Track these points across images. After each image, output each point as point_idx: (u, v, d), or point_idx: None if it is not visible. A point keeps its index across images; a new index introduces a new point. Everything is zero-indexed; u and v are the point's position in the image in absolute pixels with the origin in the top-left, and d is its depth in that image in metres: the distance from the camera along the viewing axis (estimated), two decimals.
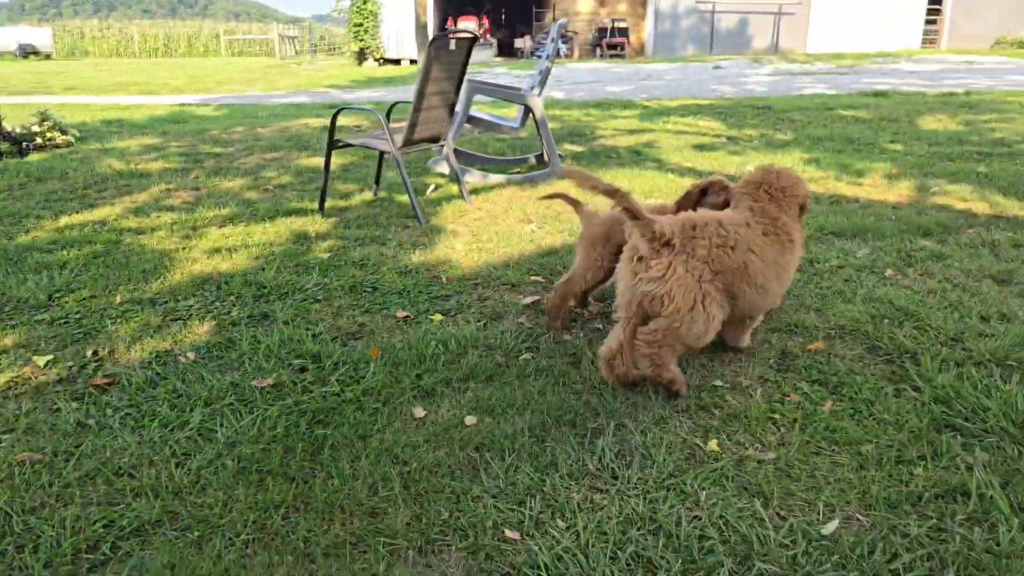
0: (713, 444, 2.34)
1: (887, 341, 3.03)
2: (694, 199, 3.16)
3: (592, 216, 3.34)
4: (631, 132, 8.55)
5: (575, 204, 3.49)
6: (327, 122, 9.87)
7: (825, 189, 5.78)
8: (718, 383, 2.74)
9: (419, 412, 2.56)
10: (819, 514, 2.00)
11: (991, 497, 2.02)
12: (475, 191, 5.81)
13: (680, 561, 1.83)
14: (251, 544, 1.93)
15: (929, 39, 26.85)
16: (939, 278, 3.75)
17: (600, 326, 3.28)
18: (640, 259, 2.58)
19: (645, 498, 2.08)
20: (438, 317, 3.40)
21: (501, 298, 3.64)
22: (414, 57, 23.43)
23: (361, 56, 24.71)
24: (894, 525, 1.94)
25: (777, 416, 2.50)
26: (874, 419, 2.46)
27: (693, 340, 2.57)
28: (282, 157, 7.55)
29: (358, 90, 15.83)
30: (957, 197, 5.40)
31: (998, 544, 1.84)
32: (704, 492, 2.09)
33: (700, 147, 7.59)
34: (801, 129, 8.55)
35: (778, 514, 2.01)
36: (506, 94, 6.44)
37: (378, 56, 24.55)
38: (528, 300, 3.57)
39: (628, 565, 1.82)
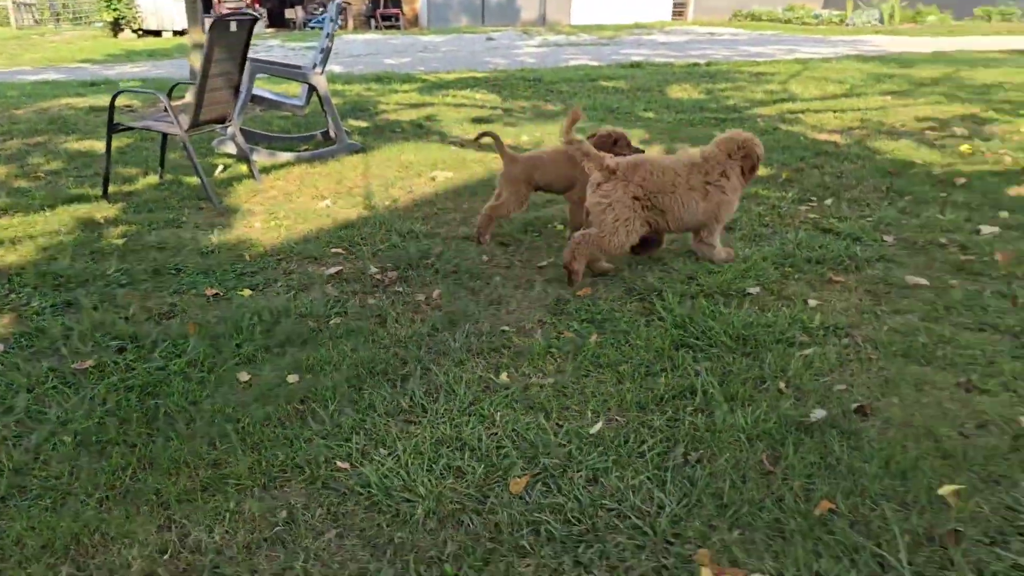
0: (504, 376, 2.81)
1: (640, 283, 3.66)
2: (608, 146, 4.13)
3: (514, 158, 4.23)
4: (413, 106, 8.90)
5: (499, 143, 4.25)
6: (92, 102, 9.34)
7: None
8: (505, 328, 3.22)
9: (244, 376, 2.82)
10: (587, 419, 2.53)
11: (711, 393, 2.64)
12: (265, 170, 5.92)
13: (483, 466, 2.28)
14: (105, 502, 2.14)
15: (678, 11, 29.25)
16: None
17: (400, 289, 3.66)
18: (598, 185, 3.61)
19: (451, 424, 2.50)
20: (247, 292, 3.62)
21: (305, 271, 3.90)
22: (177, 28, 22.14)
23: (116, 27, 22.93)
24: (643, 420, 2.51)
25: (554, 350, 3.02)
26: (629, 345, 3.05)
27: (616, 248, 3.59)
28: (47, 141, 7.15)
29: (118, 65, 14.84)
30: None
31: (715, 424, 2.46)
32: (498, 414, 2.56)
33: (479, 119, 8.09)
34: (568, 100, 9.30)
35: (557, 423, 2.51)
36: (289, 73, 6.55)
37: (136, 27, 22.92)
38: (332, 271, 3.87)
39: (442, 474, 2.25)
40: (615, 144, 4.19)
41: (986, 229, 4.38)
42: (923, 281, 3.63)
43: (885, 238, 4.26)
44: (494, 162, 6.20)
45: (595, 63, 13.22)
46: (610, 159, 3.62)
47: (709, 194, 3.70)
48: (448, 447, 2.38)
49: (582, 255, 3.60)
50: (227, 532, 2.04)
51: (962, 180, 5.42)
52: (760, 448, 2.34)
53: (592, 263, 3.75)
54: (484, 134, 4.36)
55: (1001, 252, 3.94)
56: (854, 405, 2.54)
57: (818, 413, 2.48)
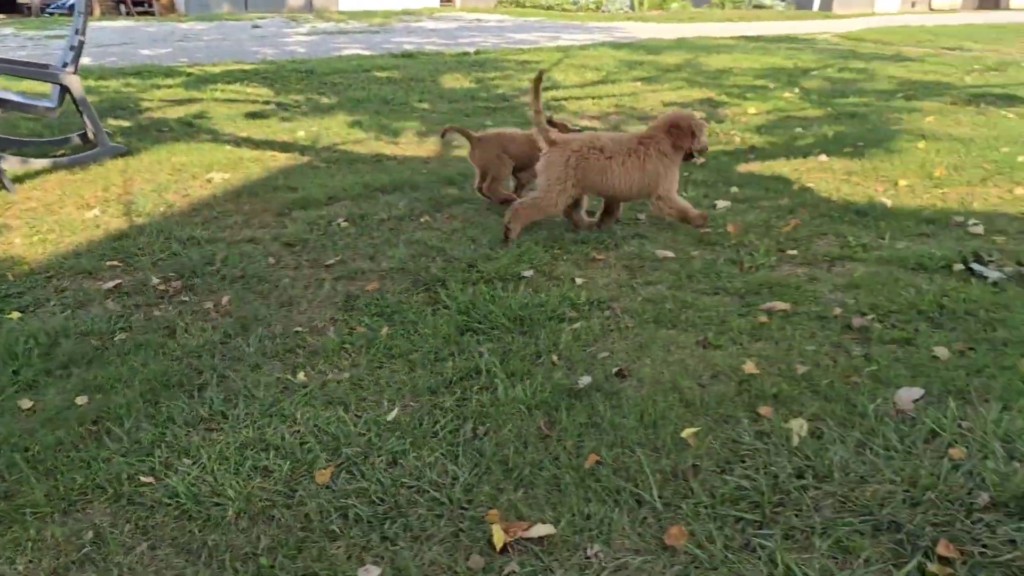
0: (301, 375, 2.95)
1: (425, 274, 3.89)
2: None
3: (480, 136, 4.91)
4: (179, 102, 8.53)
5: (463, 131, 4.94)
6: None
7: (369, 150, 6.62)
8: (299, 329, 3.33)
9: (26, 403, 2.73)
10: (384, 408, 2.73)
11: (494, 371, 2.93)
12: (18, 179, 5.51)
13: (288, 462, 2.42)
14: None
15: None
16: (460, 219, 4.77)
17: (187, 298, 3.64)
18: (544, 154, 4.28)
19: (254, 427, 2.61)
20: (16, 315, 3.44)
21: (80, 287, 3.76)
22: None
23: None
24: (435, 403, 2.76)
25: (348, 346, 3.19)
26: (418, 334, 3.28)
27: (550, 208, 4.27)
28: None
29: None
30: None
31: (498, 399, 2.75)
32: (299, 412, 2.69)
33: (253, 115, 7.94)
34: (343, 92, 9.33)
35: (356, 414, 2.70)
36: (36, 73, 6.10)
37: None
38: (110, 285, 3.76)
39: (249, 475, 2.36)
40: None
41: (720, 203, 5.05)
42: (670, 254, 4.16)
43: (639, 217, 4.79)
44: (271, 161, 6.18)
45: (367, 52, 13.24)
46: (556, 134, 4.27)
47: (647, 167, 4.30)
48: (253, 449, 2.49)
49: (521, 219, 4.31)
50: (31, 561, 2.04)
51: (701, 160, 6.14)
52: (538, 416, 2.66)
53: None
54: (448, 130, 5.06)
55: (732, 224, 4.58)
56: (615, 369, 2.94)
57: (585, 380, 2.85)
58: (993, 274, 3.75)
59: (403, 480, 2.34)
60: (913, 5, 27.25)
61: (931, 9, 27.25)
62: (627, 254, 4.18)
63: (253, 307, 3.54)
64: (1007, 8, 27.66)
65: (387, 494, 2.28)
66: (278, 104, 8.57)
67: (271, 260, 4.11)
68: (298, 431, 2.60)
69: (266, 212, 4.92)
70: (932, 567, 1.91)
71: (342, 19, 21.53)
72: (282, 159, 6.27)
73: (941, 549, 1.95)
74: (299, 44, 14.87)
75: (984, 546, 1.99)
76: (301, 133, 7.13)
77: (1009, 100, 8.60)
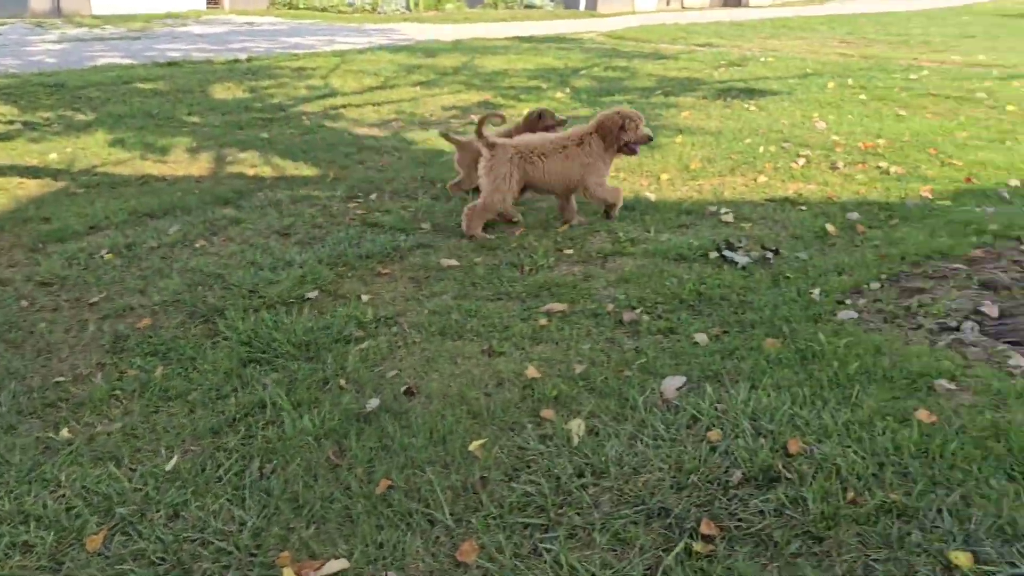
0: (65, 432, 2.72)
1: (202, 304, 3.71)
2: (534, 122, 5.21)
3: (465, 143, 5.22)
4: None
5: (449, 136, 5.43)
6: None
7: (134, 170, 6.18)
8: (60, 379, 3.07)
9: None
10: (162, 456, 2.59)
11: (280, 403, 2.86)
12: None
13: (53, 533, 2.23)
14: None
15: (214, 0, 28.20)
16: (238, 241, 4.58)
17: None
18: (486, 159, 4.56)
19: (10, 497, 2.38)
20: None
21: None
22: None
23: None
24: (218, 445, 2.64)
25: (119, 392, 2.98)
26: (198, 371, 3.12)
27: (498, 204, 4.58)
28: None
29: None
30: (248, 164, 6.36)
31: (285, 433, 2.68)
32: (63, 473, 2.49)
33: None
34: (101, 107, 8.63)
35: (130, 468, 2.53)
36: None
37: None
38: None
39: (6, 554, 2.15)
40: (540, 119, 5.20)
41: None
42: (455, 262, 4.23)
43: (423, 226, 4.83)
44: (19, 189, 5.62)
45: (128, 61, 12.33)
46: (492, 138, 4.55)
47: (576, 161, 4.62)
48: (9, 524, 2.27)
49: (475, 224, 4.60)
50: None
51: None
52: (328, 445, 2.62)
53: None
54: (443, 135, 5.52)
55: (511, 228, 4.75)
56: (403, 388, 2.96)
57: (374, 402, 2.85)
58: (742, 259, 4.16)
59: (185, 534, 2.23)
60: (668, 3, 29.36)
61: (683, 7, 29.49)
62: (413, 265, 4.21)
63: (4, 359, 3.21)
64: (747, 6, 30.51)
65: (168, 551, 2.16)
66: (24, 123, 7.79)
67: (23, 303, 3.75)
68: (63, 496, 2.39)
69: (15, 248, 4.47)
70: (697, 546, 2.11)
71: (96, 24, 19.85)
72: (32, 186, 5.72)
73: (704, 528, 2.16)
74: (47, 53, 13.55)
75: (740, 520, 2.21)
76: (53, 155, 6.53)
77: (750, 93, 9.52)
